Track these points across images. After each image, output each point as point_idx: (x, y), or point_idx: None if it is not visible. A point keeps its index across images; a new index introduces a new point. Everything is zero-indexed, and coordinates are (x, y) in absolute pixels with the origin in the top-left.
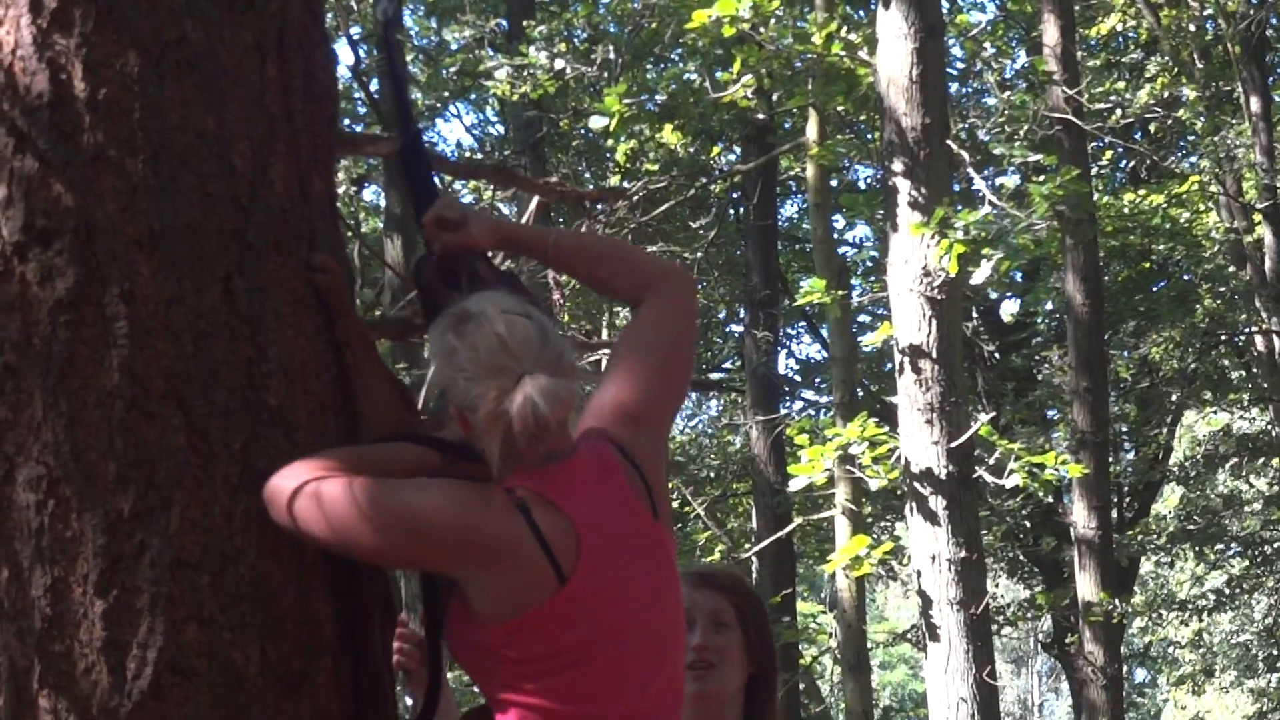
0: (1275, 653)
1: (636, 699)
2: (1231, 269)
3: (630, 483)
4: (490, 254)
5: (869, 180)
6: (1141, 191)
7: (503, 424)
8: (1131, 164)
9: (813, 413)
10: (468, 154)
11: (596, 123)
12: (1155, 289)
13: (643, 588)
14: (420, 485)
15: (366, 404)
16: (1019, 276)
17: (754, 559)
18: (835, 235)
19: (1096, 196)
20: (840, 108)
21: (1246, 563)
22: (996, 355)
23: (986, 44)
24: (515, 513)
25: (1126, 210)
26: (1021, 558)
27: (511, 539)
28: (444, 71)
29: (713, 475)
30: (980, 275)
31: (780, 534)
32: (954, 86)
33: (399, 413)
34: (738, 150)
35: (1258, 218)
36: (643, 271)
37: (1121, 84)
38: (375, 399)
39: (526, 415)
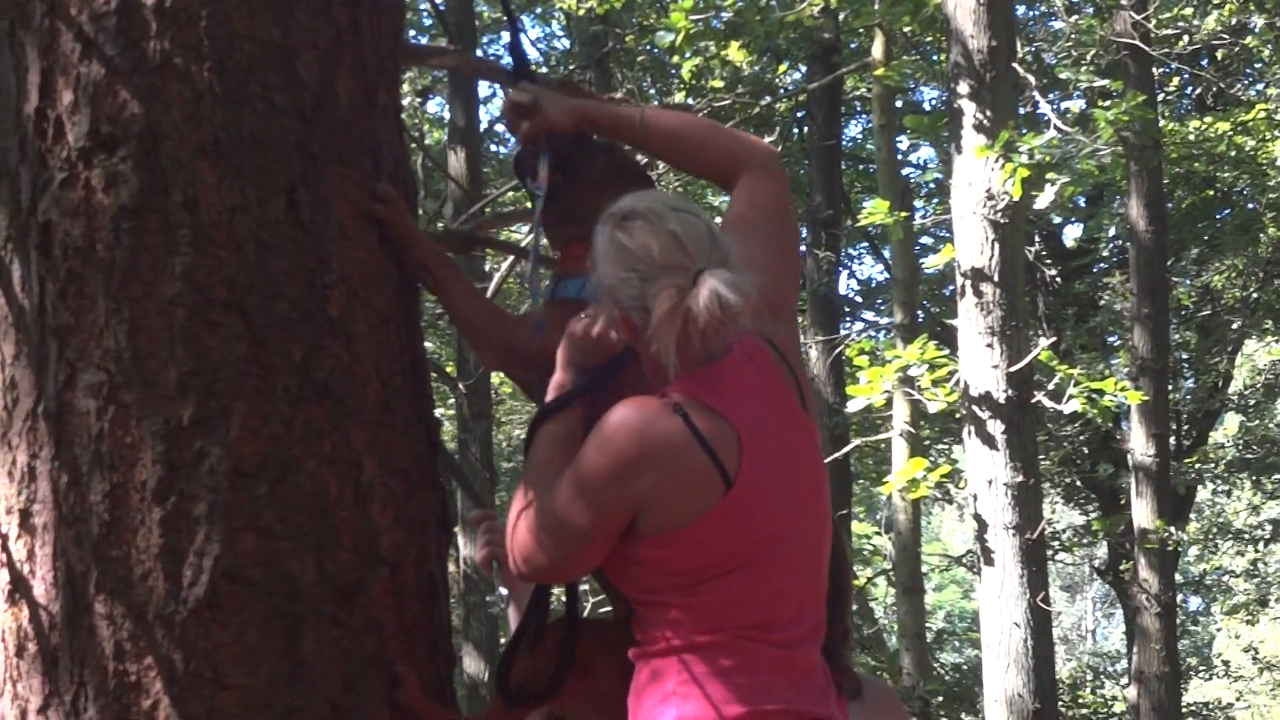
0: None
1: (784, 600)
2: None
3: (784, 378)
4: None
5: (934, 102)
6: (1208, 119)
7: (679, 321)
8: (1198, 91)
9: (873, 334)
10: (533, 68)
11: (662, 39)
12: (1219, 217)
13: (799, 488)
14: (574, 463)
15: (462, 314)
16: (1082, 202)
17: None
18: (899, 157)
19: (1162, 123)
20: (907, 28)
21: None
22: (1058, 280)
23: None
24: (674, 417)
25: (1192, 137)
26: (1078, 484)
27: (673, 442)
28: None
29: None
30: (1044, 200)
31: (838, 455)
32: (1021, 9)
33: (496, 314)
34: (803, 69)
35: None
36: (730, 152)
37: (1189, 10)
38: (471, 311)
39: (714, 308)
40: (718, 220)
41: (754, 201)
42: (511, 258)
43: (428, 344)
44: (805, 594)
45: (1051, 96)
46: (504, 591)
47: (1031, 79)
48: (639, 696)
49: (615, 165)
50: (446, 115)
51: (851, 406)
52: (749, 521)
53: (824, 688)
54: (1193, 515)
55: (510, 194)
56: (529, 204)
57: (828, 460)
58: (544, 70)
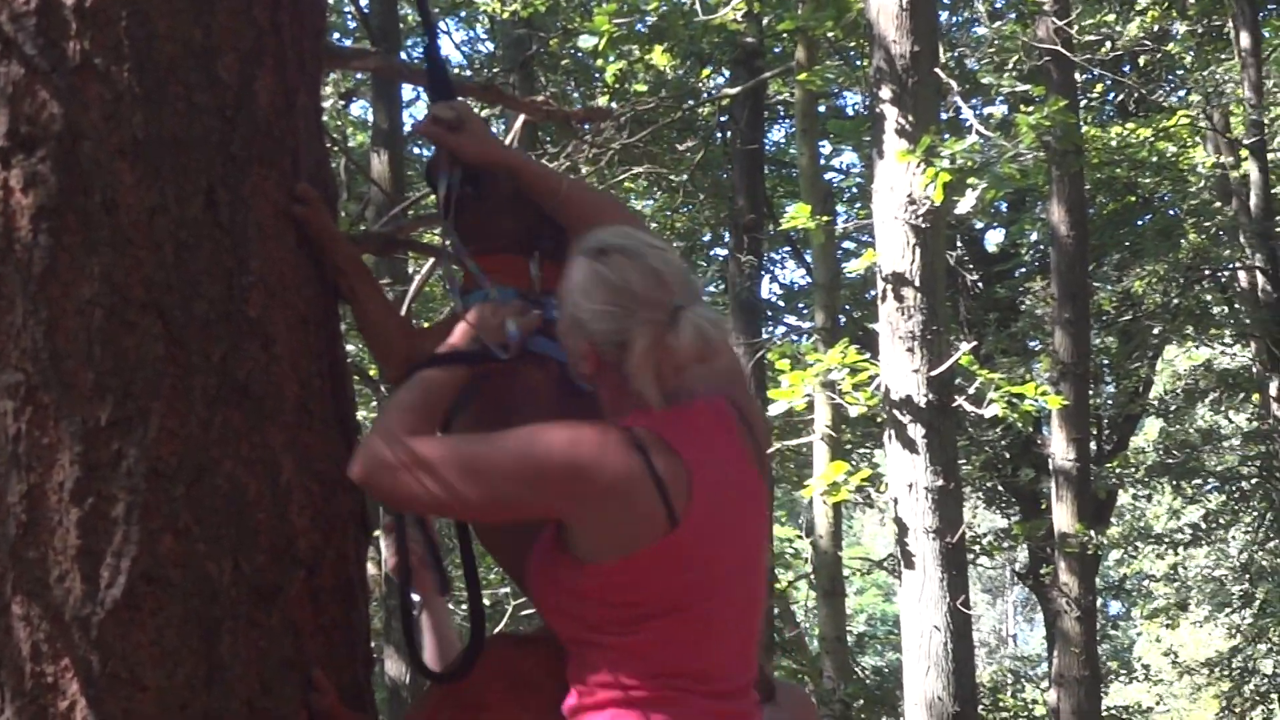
0: (1250, 588)
1: (720, 653)
2: (1217, 204)
3: (742, 437)
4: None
5: (857, 107)
6: (1129, 125)
7: (658, 357)
8: (1120, 97)
9: (795, 338)
10: (456, 71)
11: (586, 42)
12: (1140, 223)
13: (744, 542)
14: (531, 429)
15: (371, 325)
16: (1004, 207)
17: None
18: (822, 161)
19: (1084, 129)
20: (830, 33)
21: (1223, 498)
22: (980, 285)
23: None
24: (633, 451)
25: (1114, 143)
26: (1000, 488)
27: (627, 478)
28: None
29: None
30: (965, 204)
31: None
32: (944, 15)
33: (406, 329)
34: (726, 74)
35: (1244, 153)
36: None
37: (1112, 16)
38: (380, 319)
39: (696, 343)
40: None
41: None
42: (432, 260)
43: (350, 347)
44: (744, 646)
45: (974, 102)
46: (415, 599)
47: (954, 84)
48: None
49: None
50: (370, 118)
51: (773, 410)
52: (690, 564)
53: None
54: (1113, 519)
55: (432, 197)
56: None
57: None
58: (468, 74)
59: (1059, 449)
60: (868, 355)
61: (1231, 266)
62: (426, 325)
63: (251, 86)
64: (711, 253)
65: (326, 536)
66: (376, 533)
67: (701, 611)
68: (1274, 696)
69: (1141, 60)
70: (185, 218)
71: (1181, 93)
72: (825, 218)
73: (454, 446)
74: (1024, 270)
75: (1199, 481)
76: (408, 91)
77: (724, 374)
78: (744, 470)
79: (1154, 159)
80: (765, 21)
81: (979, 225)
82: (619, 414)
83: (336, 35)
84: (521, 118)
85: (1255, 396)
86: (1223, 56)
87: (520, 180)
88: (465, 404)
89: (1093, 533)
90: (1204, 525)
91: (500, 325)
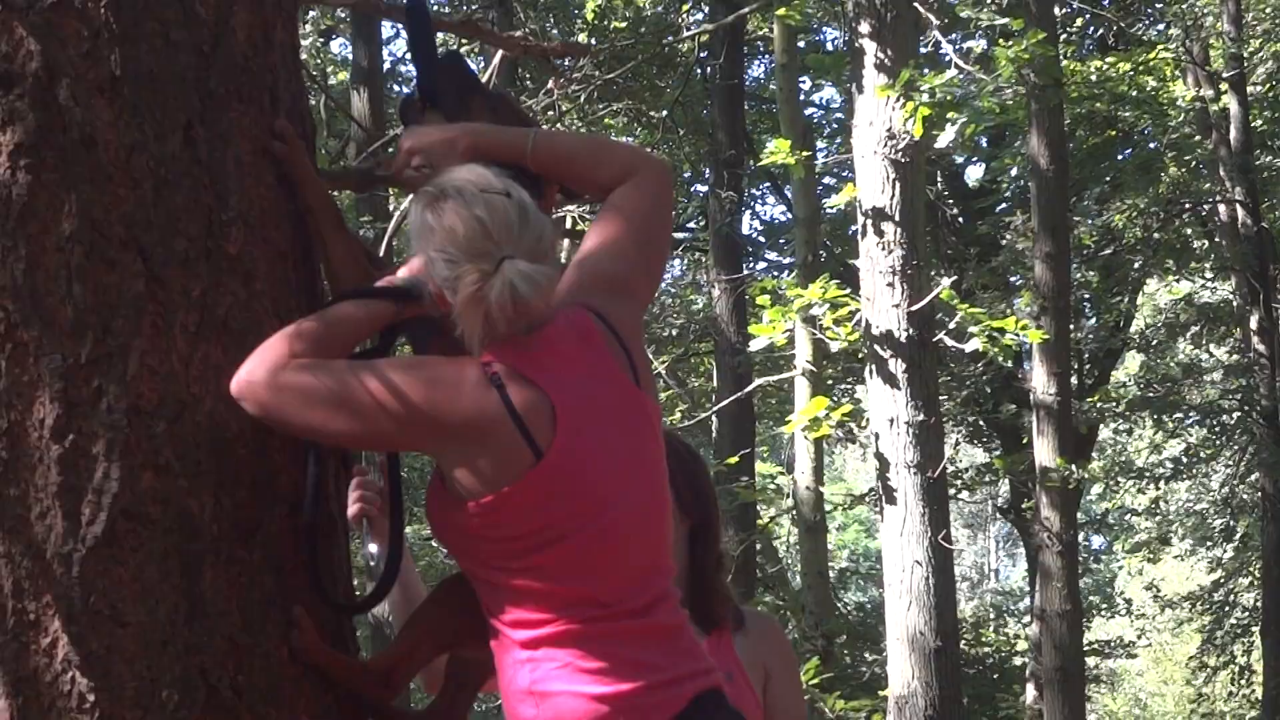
0: (1231, 523)
1: (621, 572)
2: (1197, 138)
3: (610, 350)
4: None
5: (836, 42)
6: (1109, 59)
7: (482, 306)
8: (1099, 31)
9: (775, 274)
10: (435, 7)
11: None
12: (1121, 157)
13: (624, 458)
14: (391, 365)
15: (332, 270)
16: (984, 142)
17: (714, 418)
18: (801, 97)
19: (1064, 63)
20: None
21: (1205, 432)
22: (960, 220)
23: None
24: (489, 388)
25: (1093, 77)
26: (981, 423)
27: (484, 415)
28: None
29: (675, 334)
30: (945, 138)
31: (740, 394)
32: None
33: (367, 279)
34: (706, 9)
35: (1224, 87)
36: (620, 161)
37: None
38: (341, 263)
39: (505, 302)
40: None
41: (635, 199)
42: (412, 196)
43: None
44: (646, 560)
45: (953, 36)
46: (373, 549)
47: (933, 18)
48: (504, 695)
49: (496, 116)
50: (350, 56)
51: (754, 346)
52: (566, 491)
53: (693, 645)
54: (1094, 454)
55: None
56: None
57: (731, 399)
58: (446, 11)
59: (1040, 383)
60: (849, 291)
61: (1211, 200)
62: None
63: (229, 22)
64: (692, 189)
65: (307, 472)
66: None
67: (591, 535)
68: (1255, 630)
69: None
70: (164, 154)
71: (1161, 26)
72: (805, 153)
73: (326, 375)
74: (1004, 205)
75: (1180, 415)
76: (387, 29)
77: (589, 286)
78: (614, 382)
79: (1134, 93)
80: None
81: (959, 160)
82: (477, 351)
83: None
84: (500, 54)
85: (1236, 330)
86: None
87: (495, 158)
88: (421, 350)
89: (1074, 467)
90: (1185, 459)
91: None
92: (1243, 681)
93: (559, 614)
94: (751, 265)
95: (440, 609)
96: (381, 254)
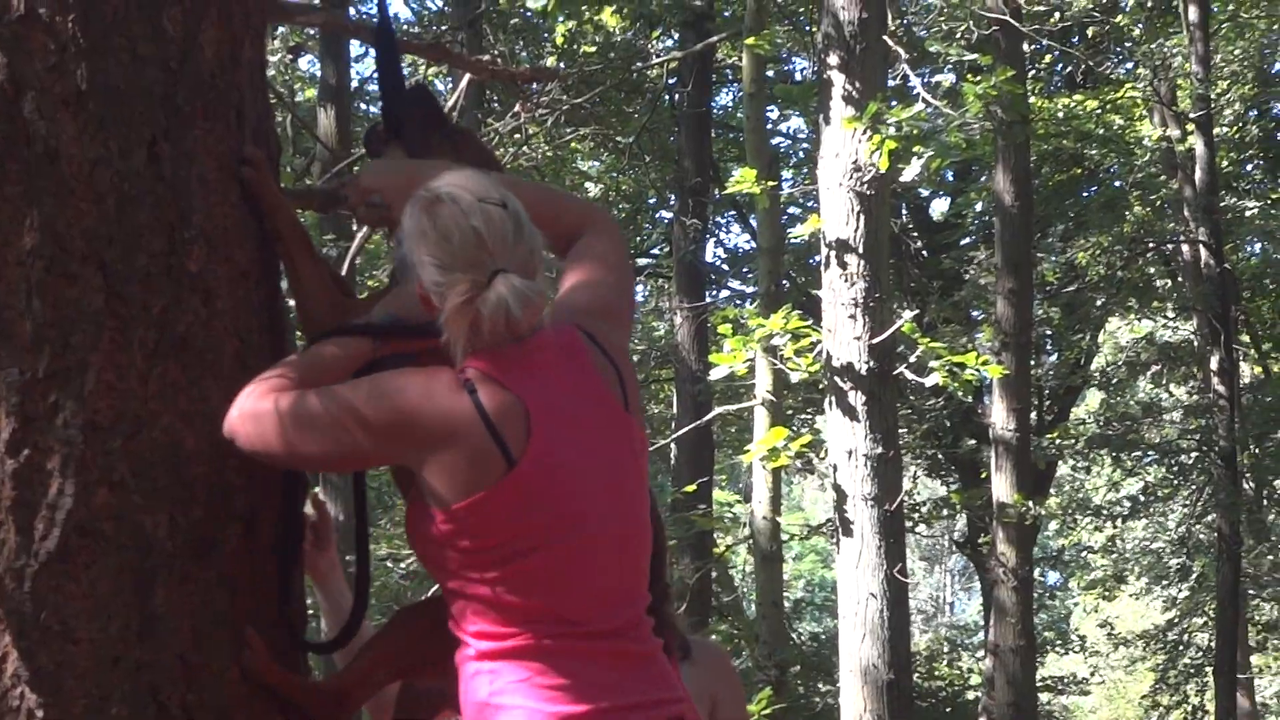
0: (1187, 562)
1: (591, 592)
2: (1162, 177)
3: (598, 368)
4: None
5: (805, 72)
6: (1077, 96)
7: (470, 316)
8: (1068, 68)
9: (738, 303)
10: (405, 28)
11: (535, 2)
12: (1086, 195)
13: (603, 478)
14: (361, 380)
15: (303, 296)
16: (950, 176)
17: (673, 446)
18: (769, 126)
19: (1031, 100)
20: None
21: (1163, 471)
22: (924, 253)
23: None
24: (461, 393)
25: (1060, 114)
26: (940, 457)
27: (455, 420)
28: None
29: (635, 360)
30: (910, 172)
31: (700, 422)
32: None
33: (336, 303)
34: (675, 36)
35: (1190, 127)
36: (578, 211)
37: None
38: (311, 289)
39: (499, 317)
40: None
41: (602, 247)
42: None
43: (292, 302)
44: (618, 582)
45: (921, 70)
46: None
47: (902, 52)
48: (464, 707)
49: (456, 153)
50: (318, 73)
51: (714, 374)
52: (538, 502)
53: (665, 673)
54: (1052, 490)
55: None
56: None
57: (690, 427)
58: (415, 31)
59: (999, 419)
60: (810, 321)
61: (1175, 240)
62: (363, 296)
63: (197, 39)
64: (657, 215)
65: (264, 492)
66: (316, 489)
67: (561, 551)
68: (1208, 670)
69: (1090, 32)
70: (128, 170)
71: (1129, 65)
72: (771, 182)
73: (298, 398)
74: (969, 240)
75: (1138, 454)
76: (355, 48)
77: (583, 308)
78: (599, 401)
79: (1100, 131)
80: None
81: (924, 194)
82: (458, 360)
83: None
84: (468, 77)
85: (1196, 370)
86: (1171, 30)
87: None
88: None
89: (1031, 503)
90: (1142, 498)
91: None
92: None
93: (524, 628)
94: (714, 294)
95: (402, 634)
96: (344, 273)
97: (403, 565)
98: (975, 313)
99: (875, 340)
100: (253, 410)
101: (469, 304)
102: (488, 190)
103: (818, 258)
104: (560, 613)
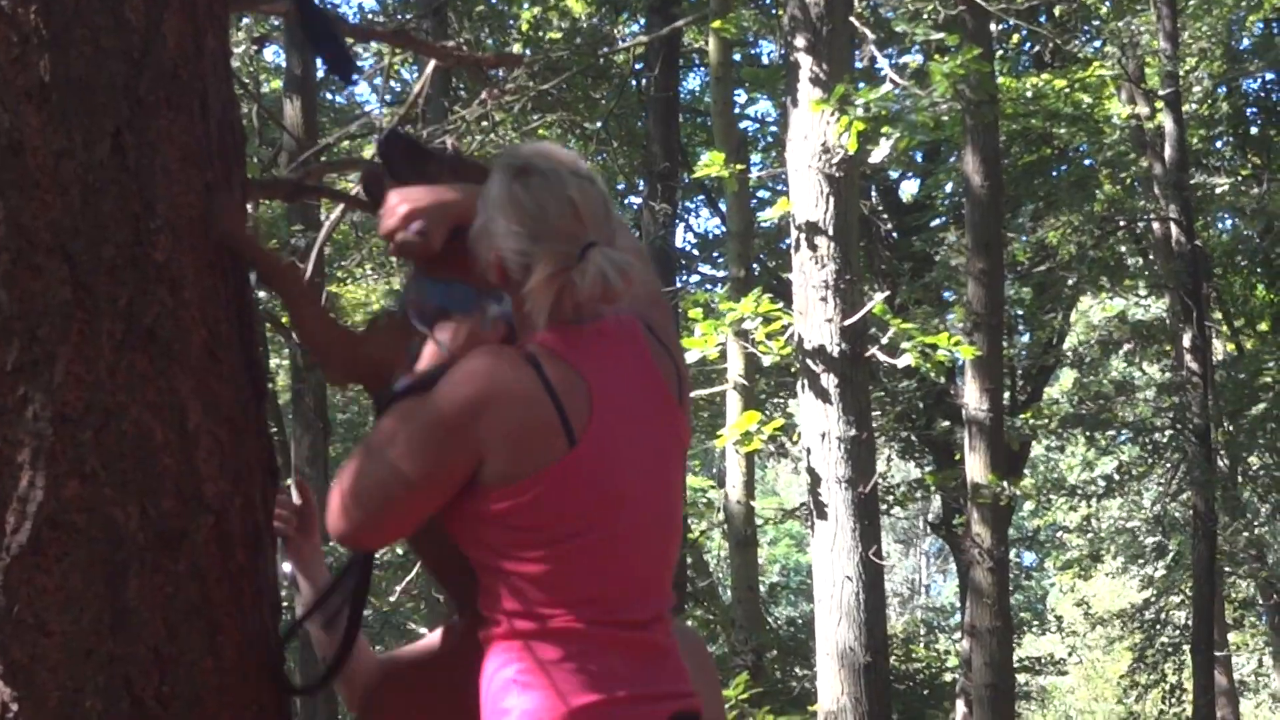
0: (1163, 540)
1: (629, 580)
2: (1132, 156)
3: (655, 358)
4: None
5: (772, 55)
6: (1045, 75)
7: (558, 287)
8: (1036, 48)
9: (709, 287)
10: (370, 16)
11: None
12: (1055, 174)
13: (651, 463)
14: (421, 399)
15: (311, 338)
16: (920, 157)
17: None
18: (737, 110)
19: (999, 79)
20: None
21: (1137, 450)
22: (894, 235)
23: None
24: (526, 366)
25: (1029, 94)
26: (913, 439)
27: (521, 391)
28: None
29: None
30: (879, 153)
31: None
32: None
33: (344, 340)
34: (641, 21)
35: (1159, 104)
36: None
37: None
38: (316, 331)
39: (596, 286)
40: None
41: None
42: (342, 205)
43: (261, 293)
44: (653, 574)
45: (889, 51)
46: (287, 569)
47: (869, 33)
48: (486, 683)
49: (458, 177)
50: (283, 64)
51: (686, 359)
52: (593, 483)
53: (680, 668)
54: (1027, 471)
55: (345, 143)
56: (363, 155)
57: None
58: (380, 20)
59: (972, 399)
60: (781, 305)
61: (1146, 218)
62: (368, 328)
63: (159, 29)
64: (626, 201)
65: (234, 483)
66: (287, 481)
67: (604, 534)
68: (1185, 648)
69: (1057, 10)
70: (92, 161)
71: (1097, 43)
72: (739, 166)
73: (367, 453)
74: (939, 221)
75: (1112, 433)
76: None
77: (641, 297)
78: (654, 390)
79: (1069, 110)
80: None
81: (894, 175)
82: (525, 328)
83: None
84: (433, 63)
85: (1169, 348)
86: (1139, 7)
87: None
88: None
89: (1005, 484)
90: (1117, 477)
91: (473, 342)
92: (1173, 699)
93: (562, 610)
94: (685, 278)
95: (405, 694)
96: (311, 264)
97: (374, 557)
98: (947, 294)
99: (847, 322)
100: (335, 504)
101: (558, 275)
102: (580, 165)
103: (788, 241)
104: (598, 597)
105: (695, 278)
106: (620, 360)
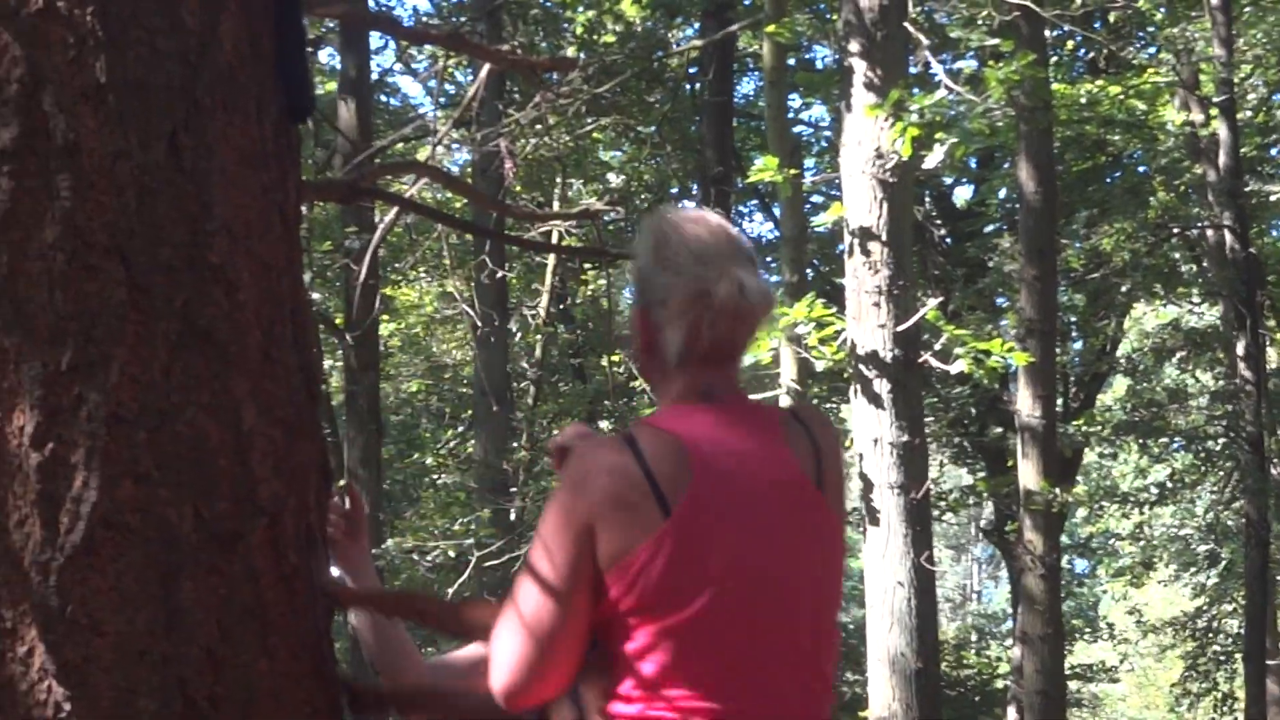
0: (1216, 549)
1: (749, 674)
2: (1186, 162)
3: (790, 440)
4: None
5: (826, 60)
6: (1099, 82)
7: (694, 312)
8: (1090, 54)
9: None
10: (424, 19)
11: None
12: (1110, 180)
13: (774, 541)
14: (547, 510)
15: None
16: (974, 163)
17: None
18: (791, 115)
19: (1054, 86)
20: None
21: (1190, 457)
22: (948, 241)
23: None
24: (619, 441)
25: (1083, 100)
26: (966, 445)
27: (614, 467)
28: None
29: None
30: (933, 159)
31: None
32: None
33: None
34: (696, 25)
35: (1214, 111)
36: None
37: None
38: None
39: (733, 294)
40: None
41: None
42: (396, 209)
43: (315, 295)
44: (787, 681)
45: (943, 56)
46: (335, 573)
47: (923, 38)
48: None
49: None
50: (338, 65)
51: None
52: (693, 558)
53: None
54: (1079, 478)
55: (399, 145)
56: (417, 157)
57: None
58: (435, 23)
59: (1025, 406)
60: (835, 309)
61: (1200, 225)
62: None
63: (216, 32)
64: (680, 206)
65: (288, 484)
66: (340, 483)
67: (714, 615)
68: (1238, 657)
69: (1112, 17)
70: (148, 163)
71: (1152, 50)
72: (793, 170)
73: (510, 614)
74: (992, 227)
75: (1165, 440)
76: (376, 39)
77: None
78: (781, 467)
79: (1123, 116)
80: None
81: (948, 181)
82: (657, 378)
83: None
84: (487, 67)
85: (1223, 356)
86: (1193, 14)
87: None
88: None
89: (1057, 490)
90: (1170, 485)
91: None
92: (1225, 708)
93: (654, 697)
94: None
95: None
96: (365, 265)
97: (428, 558)
98: (1000, 300)
99: (900, 328)
100: (504, 660)
101: (699, 295)
102: (707, 214)
103: (842, 247)
104: (702, 687)
105: None
106: (735, 431)
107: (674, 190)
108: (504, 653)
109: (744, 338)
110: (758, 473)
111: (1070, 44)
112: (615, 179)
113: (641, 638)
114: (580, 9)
